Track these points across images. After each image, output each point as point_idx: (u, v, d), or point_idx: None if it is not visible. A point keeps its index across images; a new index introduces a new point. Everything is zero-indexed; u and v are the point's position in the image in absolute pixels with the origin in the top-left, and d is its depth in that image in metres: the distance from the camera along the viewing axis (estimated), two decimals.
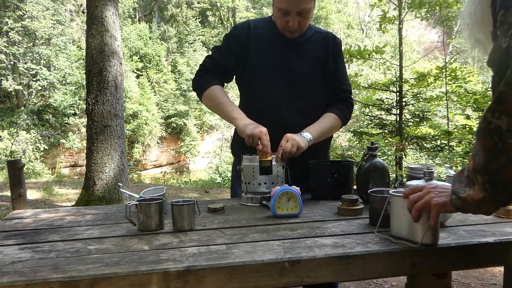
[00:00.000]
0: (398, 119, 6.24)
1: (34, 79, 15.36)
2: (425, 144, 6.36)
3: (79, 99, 15.95)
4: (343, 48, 1.90)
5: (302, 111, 1.64)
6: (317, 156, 1.65)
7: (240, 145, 1.62)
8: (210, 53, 1.70)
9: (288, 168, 1.52)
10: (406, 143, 6.18)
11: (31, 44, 15.26)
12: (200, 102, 21.20)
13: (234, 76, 1.76)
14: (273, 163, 1.46)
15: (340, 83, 1.73)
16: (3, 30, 14.46)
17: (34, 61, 15.37)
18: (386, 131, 6.39)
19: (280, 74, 1.64)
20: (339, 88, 1.74)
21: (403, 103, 6.22)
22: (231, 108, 1.58)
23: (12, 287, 0.78)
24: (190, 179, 12.56)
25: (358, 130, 7.33)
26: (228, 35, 1.70)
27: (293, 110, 1.63)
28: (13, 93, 15.50)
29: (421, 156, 9.03)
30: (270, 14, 1.75)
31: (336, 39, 1.73)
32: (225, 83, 1.74)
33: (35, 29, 14.88)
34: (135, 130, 17.96)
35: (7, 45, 14.49)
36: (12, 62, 15.02)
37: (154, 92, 20.09)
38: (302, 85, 1.65)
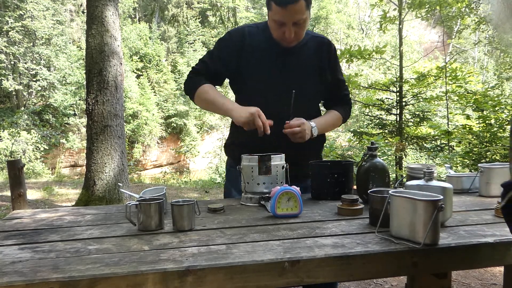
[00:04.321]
0: (398, 119, 6.25)
1: (34, 79, 15.36)
2: (425, 144, 6.36)
3: (79, 99, 15.95)
4: (343, 48, 1.93)
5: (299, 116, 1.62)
6: (310, 156, 1.66)
7: (235, 144, 1.69)
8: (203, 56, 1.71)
9: (288, 168, 1.52)
10: (406, 143, 6.18)
11: (31, 44, 15.26)
12: None
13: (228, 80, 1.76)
14: (273, 163, 1.46)
15: (341, 90, 1.80)
16: (3, 30, 14.46)
17: (34, 61, 15.37)
18: (386, 131, 6.39)
19: (275, 82, 1.62)
20: (341, 94, 1.81)
21: (403, 103, 6.22)
22: (222, 102, 1.56)
23: (12, 287, 0.78)
24: (190, 179, 12.57)
25: (358, 130, 7.34)
26: (220, 40, 1.67)
27: (290, 117, 1.59)
28: (13, 93, 15.50)
29: (421, 156, 9.03)
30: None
31: (331, 45, 1.72)
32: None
33: (35, 29, 14.88)
34: (135, 130, 17.96)
35: (7, 45, 14.49)
36: (12, 62, 15.02)
37: (154, 92, 20.09)
38: (298, 92, 1.62)
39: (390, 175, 3.69)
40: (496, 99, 5.56)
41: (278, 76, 1.62)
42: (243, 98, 1.67)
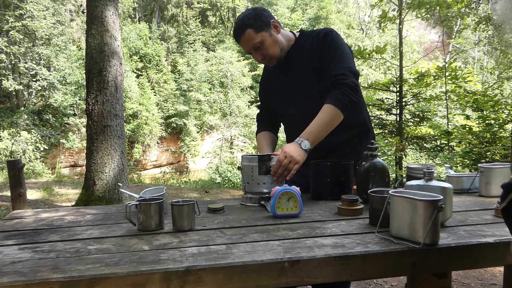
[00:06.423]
0: (398, 119, 6.24)
1: (34, 79, 15.36)
2: (425, 144, 6.36)
3: (79, 99, 15.95)
4: None
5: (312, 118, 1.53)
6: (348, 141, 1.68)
7: None
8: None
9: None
10: (406, 143, 6.18)
11: (31, 44, 15.25)
12: (200, 102, 21.16)
13: None
14: (272, 163, 1.46)
15: (331, 71, 1.54)
16: (3, 30, 14.45)
17: (34, 61, 15.36)
18: (386, 131, 6.39)
19: (284, 96, 1.73)
20: (330, 76, 1.54)
21: (403, 103, 6.22)
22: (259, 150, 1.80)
23: (12, 287, 0.78)
24: (190, 179, 12.55)
25: None
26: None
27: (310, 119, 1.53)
28: (13, 93, 15.50)
29: (421, 156, 9.04)
30: None
31: (319, 34, 1.62)
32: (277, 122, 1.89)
33: (35, 29, 14.87)
34: (135, 130, 17.97)
35: (7, 44, 14.48)
36: (12, 62, 15.02)
37: (154, 92, 20.09)
38: (302, 96, 1.66)
39: (390, 175, 3.69)
40: (495, 99, 5.55)
41: (284, 89, 1.72)
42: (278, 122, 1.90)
